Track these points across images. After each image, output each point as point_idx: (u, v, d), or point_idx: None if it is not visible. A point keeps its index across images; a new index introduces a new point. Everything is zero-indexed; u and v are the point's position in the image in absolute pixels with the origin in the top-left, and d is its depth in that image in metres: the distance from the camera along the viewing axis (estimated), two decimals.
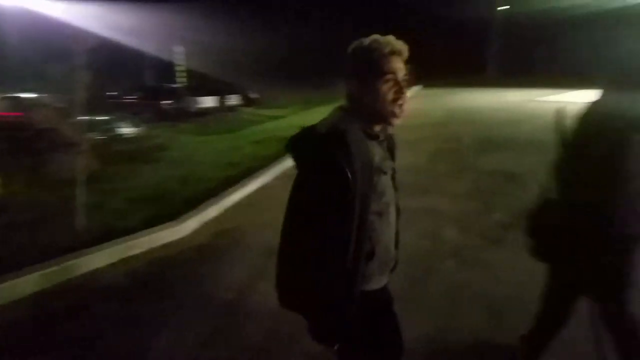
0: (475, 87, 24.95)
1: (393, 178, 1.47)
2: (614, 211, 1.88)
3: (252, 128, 12.10)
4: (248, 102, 19.73)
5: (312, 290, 1.29)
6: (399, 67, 1.34)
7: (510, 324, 2.69)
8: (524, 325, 2.38)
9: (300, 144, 1.34)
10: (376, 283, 1.44)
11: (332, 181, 1.24)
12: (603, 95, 2.00)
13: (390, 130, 1.47)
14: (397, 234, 1.52)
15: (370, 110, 1.35)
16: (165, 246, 4.10)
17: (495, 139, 8.97)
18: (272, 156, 7.58)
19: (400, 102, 1.34)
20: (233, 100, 18.82)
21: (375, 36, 1.35)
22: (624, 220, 1.88)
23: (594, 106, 2.01)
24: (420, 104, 16.40)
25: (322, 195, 1.26)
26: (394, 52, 1.33)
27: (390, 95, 1.33)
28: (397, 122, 1.36)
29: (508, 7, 35.04)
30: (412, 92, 23.44)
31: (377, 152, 1.37)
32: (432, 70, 28.71)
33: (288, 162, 7.31)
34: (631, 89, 1.88)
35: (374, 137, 1.38)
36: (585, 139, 1.98)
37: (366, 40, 1.35)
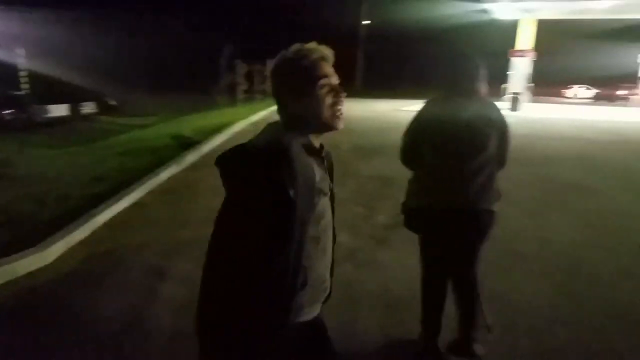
0: (345, 97, 26.43)
1: (332, 200, 1.41)
2: (469, 192, 2.37)
3: (115, 138, 11.21)
4: (107, 109, 18.24)
5: (246, 330, 1.20)
6: (330, 71, 1.33)
7: (407, 319, 2.95)
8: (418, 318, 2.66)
9: (235, 161, 1.22)
10: (306, 315, 1.36)
11: (273, 202, 1.15)
12: (438, 99, 2.54)
13: (326, 148, 1.41)
14: (332, 261, 1.46)
15: (310, 119, 1.31)
16: (28, 276, 3.60)
17: (370, 146, 9.63)
18: (143, 169, 7.13)
19: (339, 105, 1.33)
20: (89, 107, 17.25)
21: (298, 45, 1.33)
22: (478, 199, 2.39)
23: (432, 109, 2.53)
24: None
25: (261, 218, 1.17)
26: (323, 58, 1.32)
27: (328, 100, 1.30)
28: (340, 125, 1.34)
29: (369, 22, 37.95)
30: None
31: (318, 171, 1.30)
32: None
33: (162, 175, 6.95)
34: (460, 93, 2.43)
35: (315, 153, 1.32)
36: (426, 136, 2.48)
37: (290, 51, 1.32)
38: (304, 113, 1.30)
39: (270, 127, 1.33)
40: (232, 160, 1.23)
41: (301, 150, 1.25)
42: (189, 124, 12.69)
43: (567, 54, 34.09)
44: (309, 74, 1.29)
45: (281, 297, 1.23)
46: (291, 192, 1.15)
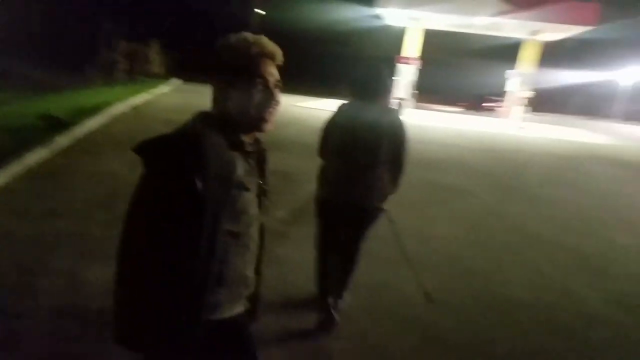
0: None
1: (260, 197, 1.42)
2: (357, 189, 2.81)
3: None
4: None
5: (151, 320, 1.19)
6: (269, 70, 1.30)
7: (305, 310, 3.16)
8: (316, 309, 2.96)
9: (149, 147, 1.19)
10: (225, 312, 1.36)
11: (177, 190, 1.15)
12: (348, 102, 2.91)
13: (262, 144, 1.42)
14: (259, 258, 1.48)
15: (236, 115, 1.28)
16: None
17: (267, 140, 9.65)
18: (5, 152, 6.34)
19: (270, 108, 1.31)
20: None
21: (245, 35, 1.29)
22: (365, 196, 2.83)
23: (341, 110, 2.91)
24: (186, 100, 16.27)
25: (164, 206, 1.16)
26: (264, 55, 1.29)
27: (257, 100, 1.28)
28: (268, 128, 1.33)
29: (264, 12, 37.69)
30: (173, 86, 22.97)
31: (241, 166, 1.29)
32: (194, 64, 28.74)
33: (30, 160, 6.27)
34: (366, 98, 2.81)
35: (239, 147, 1.31)
36: (336, 137, 2.87)
37: (233, 39, 1.28)
38: (231, 106, 1.28)
39: (196, 116, 1.31)
40: (147, 147, 1.20)
41: (221, 143, 1.24)
42: (60, 103, 11.54)
43: (453, 65, 37.14)
44: (243, 68, 1.26)
45: (192, 292, 1.23)
46: (198, 184, 1.14)
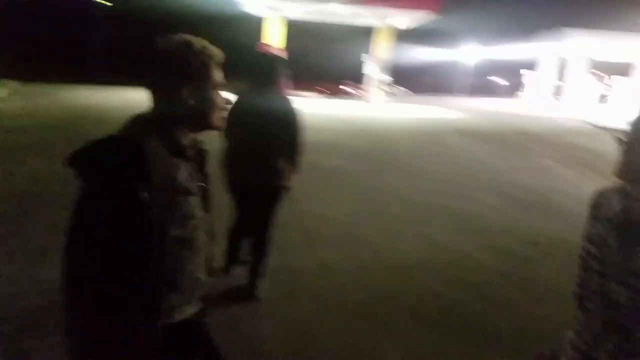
0: (75, 83, 23.50)
1: (205, 198, 1.41)
2: (270, 171, 3.05)
3: None
4: None
5: (106, 335, 1.14)
6: (218, 72, 1.35)
7: (229, 302, 3.20)
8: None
9: (85, 157, 1.13)
10: (179, 315, 1.36)
11: (120, 201, 1.11)
12: (245, 93, 3.09)
13: (202, 145, 1.43)
14: (209, 259, 1.47)
15: (193, 116, 1.31)
16: None
17: None
18: None
19: (222, 107, 1.37)
20: None
21: (187, 37, 1.30)
22: (275, 176, 3.07)
23: (241, 98, 3.07)
24: (28, 104, 14.63)
25: (107, 219, 1.11)
26: (213, 57, 1.33)
27: (216, 103, 1.34)
28: (220, 126, 1.39)
29: (110, 4, 34.97)
30: (9, 89, 20.30)
31: (183, 169, 1.29)
32: (26, 60, 25.44)
33: None
34: (258, 88, 3.05)
35: (180, 152, 1.30)
36: (243, 125, 3.03)
37: (178, 41, 1.28)
38: (190, 108, 1.29)
39: (132, 121, 1.27)
40: (83, 157, 1.14)
41: (162, 148, 1.23)
42: None
43: (315, 53, 38.17)
44: (207, 71, 1.31)
45: (145, 302, 1.20)
46: (143, 194, 1.11)
